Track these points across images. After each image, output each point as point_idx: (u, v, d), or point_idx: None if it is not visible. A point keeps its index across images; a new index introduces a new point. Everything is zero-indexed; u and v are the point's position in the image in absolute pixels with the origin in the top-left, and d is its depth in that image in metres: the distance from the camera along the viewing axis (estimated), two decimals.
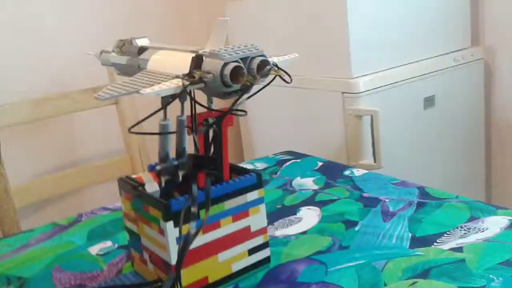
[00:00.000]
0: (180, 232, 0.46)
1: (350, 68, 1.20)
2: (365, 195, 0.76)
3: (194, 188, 0.46)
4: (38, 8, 1.32)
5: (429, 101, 1.35)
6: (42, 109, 1.14)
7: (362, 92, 1.20)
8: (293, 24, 1.32)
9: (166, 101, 0.52)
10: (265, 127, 1.51)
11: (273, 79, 0.49)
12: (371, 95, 1.22)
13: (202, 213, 0.51)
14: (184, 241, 0.44)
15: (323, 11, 1.23)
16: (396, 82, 1.27)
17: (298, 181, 0.86)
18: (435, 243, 0.60)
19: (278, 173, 0.92)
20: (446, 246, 0.59)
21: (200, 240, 0.52)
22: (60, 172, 1.20)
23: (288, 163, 0.97)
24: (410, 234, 0.63)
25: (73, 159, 1.40)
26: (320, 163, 0.94)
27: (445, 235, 0.62)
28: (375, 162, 1.20)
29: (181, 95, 0.50)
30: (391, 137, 1.25)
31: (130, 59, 0.58)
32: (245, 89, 0.47)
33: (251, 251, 0.57)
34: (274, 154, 1.05)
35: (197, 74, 0.46)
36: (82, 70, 1.38)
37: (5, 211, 1.11)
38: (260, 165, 0.98)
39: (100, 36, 1.41)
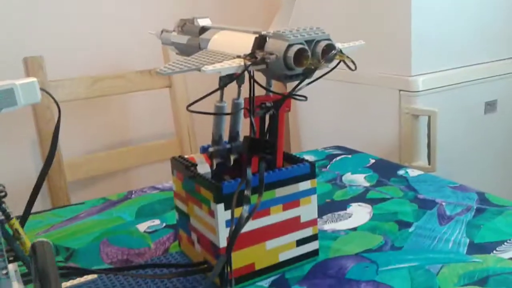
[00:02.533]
0: (232, 215, 0.45)
1: (410, 65, 1.15)
2: (420, 196, 0.73)
3: (249, 171, 0.45)
4: None
5: (490, 106, 1.29)
6: (98, 87, 1.17)
7: (420, 91, 1.15)
8: (354, 17, 1.28)
9: (224, 82, 0.51)
10: (315, 119, 1.49)
11: (337, 64, 0.47)
12: (429, 94, 1.17)
13: (253, 198, 0.50)
14: (236, 225, 0.43)
15: (386, 5, 1.19)
16: (456, 84, 1.21)
17: (348, 177, 0.84)
18: (494, 251, 0.57)
19: (327, 167, 0.90)
20: (506, 255, 0.56)
21: (249, 226, 0.51)
22: (111, 150, 1.22)
23: (338, 158, 0.95)
24: (468, 240, 0.60)
25: (124, 138, 1.43)
26: (373, 161, 0.91)
27: (505, 243, 0.59)
28: (429, 164, 1.15)
29: (240, 76, 0.49)
30: (447, 140, 1.20)
31: (191, 39, 0.57)
32: (308, 73, 0.45)
33: (300, 242, 0.55)
34: (324, 148, 1.03)
35: (259, 55, 0.45)
36: (139, 52, 1.40)
37: (56, 184, 1.15)
38: (309, 158, 0.96)
39: (159, 18, 1.42)
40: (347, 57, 0.45)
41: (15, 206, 0.61)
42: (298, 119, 1.57)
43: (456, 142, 1.24)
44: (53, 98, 0.44)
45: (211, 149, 0.56)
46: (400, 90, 1.18)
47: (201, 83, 1.41)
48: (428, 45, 1.17)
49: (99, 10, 1.34)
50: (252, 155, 0.47)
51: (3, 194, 0.40)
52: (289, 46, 0.43)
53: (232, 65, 0.44)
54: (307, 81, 0.46)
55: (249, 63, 0.44)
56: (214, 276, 0.44)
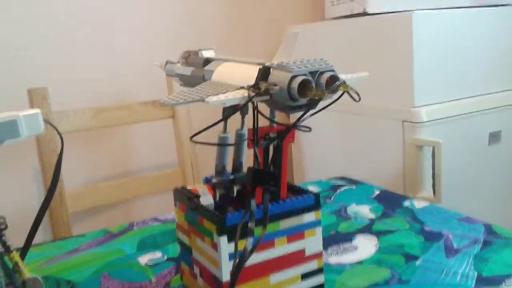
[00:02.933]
0: (236, 247, 0.44)
1: (413, 96, 1.16)
2: (426, 228, 0.72)
3: (253, 203, 0.44)
4: (107, 21, 1.37)
5: (494, 137, 1.29)
6: (101, 118, 1.17)
7: (424, 122, 1.15)
8: (355, 50, 1.30)
9: (227, 113, 0.51)
10: (318, 150, 1.49)
11: (341, 95, 0.47)
12: (433, 125, 1.17)
13: (257, 230, 0.49)
14: (240, 258, 0.42)
15: (388, 37, 1.20)
16: (460, 114, 1.21)
17: (353, 208, 0.83)
18: (503, 284, 0.56)
19: (332, 198, 0.89)
20: None
21: (253, 259, 0.50)
22: (114, 181, 1.21)
23: (342, 188, 0.94)
24: (476, 273, 0.58)
25: (126, 169, 1.43)
26: (377, 192, 0.90)
27: None
28: (434, 196, 1.14)
29: (244, 107, 0.49)
30: (452, 171, 1.19)
31: (195, 70, 0.58)
32: (312, 104, 0.45)
33: (305, 276, 0.54)
34: (328, 179, 1.02)
35: (263, 86, 0.45)
36: (143, 83, 1.41)
37: (58, 215, 1.14)
38: (312, 189, 0.95)
39: (163, 49, 1.44)
40: (351, 88, 0.45)
41: (18, 237, 0.61)
42: (301, 149, 1.57)
43: (460, 173, 1.23)
44: (56, 129, 0.44)
45: (214, 180, 0.55)
46: (403, 121, 1.18)
47: (205, 114, 1.42)
48: (431, 76, 1.18)
49: (103, 41, 1.36)
50: (256, 186, 0.46)
51: (3, 226, 0.39)
52: (293, 77, 0.43)
53: (236, 96, 0.44)
54: (311, 112, 0.46)
55: (253, 94, 0.44)
56: None
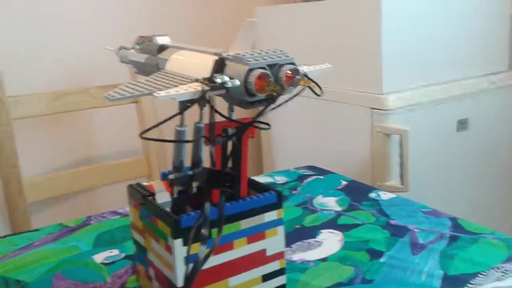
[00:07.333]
0: (188, 253, 0.41)
1: (381, 83, 1.14)
2: (392, 222, 0.70)
3: (207, 206, 0.41)
4: (62, 2, 1.30)
5: (462, 124, 1.28)
6: (59, 103, 1.12)
7: (392, 109, 1.14)
8: (324, 34, 1.27)
9: (184, 105, 0.48)
10: (287, 138, 1.46)
11: (302, 90, 0.44)
12: (401, 113, 1.15)
13: (214, 232, 0.46)
14: (193, 267, 0.39)
15: (356, 22, 1.17)
16: (428, 101, 1.20)
17: (319, 200, 0.81)
18: (468, 284, 0.54)
19: (298, 189, 0.87)
20: None
21: (211, 261, 0.48)
22: (74, 169, 1.16)
23: (309, 179, 0.92)
24: (441, 272, 0.57)
25: (88, 157, 1.38)
26: (345, 182, 0.88)
27: (479, 275, 0.56)
28: (402, 184, 1.13)
29: (200, 101, 0.45)
30: (420, 159, 1.19)
31: (149, 58, 0.54)
32: (271, 99, 0.42)
33: (266, 277, 0.52)
34: (296, 168, 1.00)
35: (218, 79, 0.41)
36: (103, 67, 1.35)
37: (16, 205, 1.09)
38: (280, 179, 0.93)
39: (123, 32, 1.38)
40: (313, 81, 0.42)
41: None
42: (270, 136, 1.54)
43: (429, 160, 1.22)
44: None
45: (171, 176, 0.52)
46: (372, 108, 1.17)
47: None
48: (399, 63, 1.16)
49: (62, 23, 1.30)
50: (211, 187, 0.43)
51: None
52: (250, 70, 0.40)
53: (188, 91, 0.40)
54: (269, 107, 0.43)
55: (207, 88, 0.41)
56: None
